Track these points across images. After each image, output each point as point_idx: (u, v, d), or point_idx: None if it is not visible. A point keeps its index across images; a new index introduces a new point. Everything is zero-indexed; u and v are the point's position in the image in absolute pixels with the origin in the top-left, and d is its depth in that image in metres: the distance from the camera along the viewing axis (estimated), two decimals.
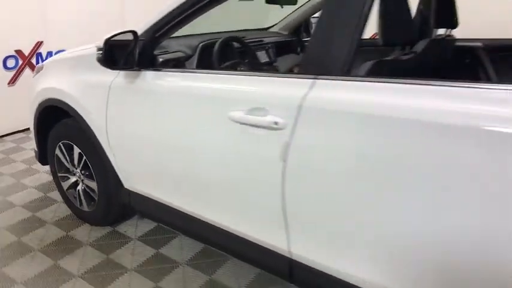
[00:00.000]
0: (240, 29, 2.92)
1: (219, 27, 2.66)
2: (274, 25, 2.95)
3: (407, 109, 1.08)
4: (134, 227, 2.39)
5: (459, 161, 1.00)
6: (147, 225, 2.40)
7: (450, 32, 2.11)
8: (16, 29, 3.78)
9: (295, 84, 1.29)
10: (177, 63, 1.93)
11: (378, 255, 1.22)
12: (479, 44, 2.23)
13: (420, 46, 1.83)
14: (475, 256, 1.01)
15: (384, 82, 1.18)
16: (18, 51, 3.89)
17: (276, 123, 1.29)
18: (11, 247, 2.20)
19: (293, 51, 2.79)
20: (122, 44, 1.67)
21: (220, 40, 2.07)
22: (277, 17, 3.01)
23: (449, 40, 2.12)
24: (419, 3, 2.10)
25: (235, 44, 2.23)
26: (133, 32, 1.68)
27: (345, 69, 1.22)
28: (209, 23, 2.56)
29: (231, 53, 2.15)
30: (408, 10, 1.45)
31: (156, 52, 1.88)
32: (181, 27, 1.72)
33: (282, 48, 2.68)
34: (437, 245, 1.07)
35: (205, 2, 1.56)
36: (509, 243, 0.96)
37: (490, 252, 0.99)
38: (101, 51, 1.60)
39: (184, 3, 1.59)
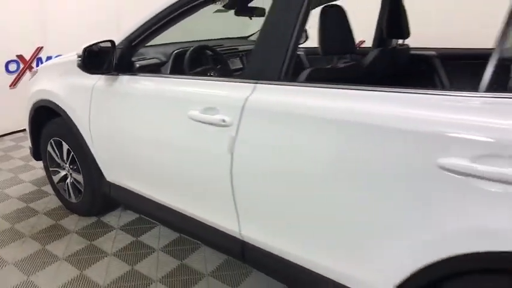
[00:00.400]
0: (223, 37, 3.15)
1: (206, 36, 2.89)
2: (254, 34, 3.18)
3: (331, 110, 1.29)
4: (117, 218, 2.61)
5: (375, 154, 1.19)
6: (129, 217, 2.62)
7: (403, 42, 2.31)
8: (18, 35, 4.05)
9: (240, 88, 1.51)
10: (153, 69, 2.16)
11: (312, 235, 1.42)
12: (433, 52, 2.43)
13: (371, 55, 2.04)
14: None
15: (314, 87, 1.39)
16: (20, 56, 4.16)
17: (224, 120, 1.50)
18: (4, 233, 2.43)
19: None
20: (101, 52, 1.90)
21: (191, 49, 2.29)
22: (259, 26, 3.23)
23: (403, 49, 2.33)
24: (378, 17, 2.32)
25: (208, 52, 2.45)
26: (111, 41, 1.91)
27: (281, 76, 1.43)
28: (198, 32, 2.80)
29: (205, 60, 2.38)
30: (347, 24, 1.66)
31: (134, 58, 2.12)
32: (154, 37, 1.95)
33: None
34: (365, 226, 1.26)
35: (173, 15, 1.79)
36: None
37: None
38: (80, 58, 1.83)
39: (154, 17, 1.82)
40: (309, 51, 3.02)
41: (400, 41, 2.37)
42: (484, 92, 1.06)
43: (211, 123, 1.55)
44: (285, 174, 1.41)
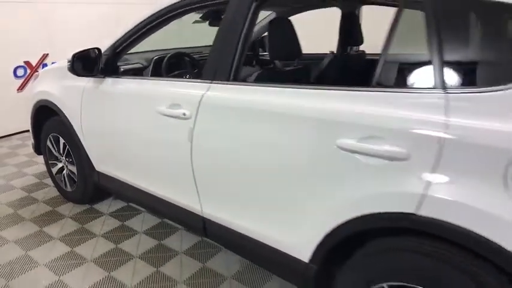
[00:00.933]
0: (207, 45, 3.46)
1: (190, 44, 3.21)
2: None
3: (266, 104, 1.58)
4: (108, 206, 2.92)
5: (297, 139, 1.47)
6: (119, 205, 2.93)
7: (358, 48, 2.60)
8: (25, 43, 4.43)
9: (198, 87, 1.81)
10: (136, 72, 2.47)
11: (256, 208, 1.70)
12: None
13: (326, 60, 2.33)
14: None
15: (256, 86, 1.69)
16: (27, 62, 4.54)
17: (184, 114, 1.80)
18: (8, 217, 2.76)
19: (248, 64, 3.30)
20: (90, 57, 2.22)
21: (169, 55, 2.61)
22: None
23: (358, 55, 2.61)
24: (339, 27, 2.60)
25: (186, 58, 2.76)
26: (98, 49, 2.23)
27: (231, 76, 1.73)
28: (184, 40, 3.12)
29: (184, 65, 2.69)
30: (293, 33, 1.95)
31: (120, 63, 2.44)
32: (135, 45, 2.27)
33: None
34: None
35: (149, 26, 2.11)
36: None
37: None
38: (69, 63, 2.16)
39: (134, 28, 2.14)
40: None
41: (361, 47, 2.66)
42: (371, 87, 1.35)
43: (174, 117, 1.85)
44: (233, 158, 1.70)
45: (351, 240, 1.43)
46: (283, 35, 1.92)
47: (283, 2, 2.32)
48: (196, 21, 2.75)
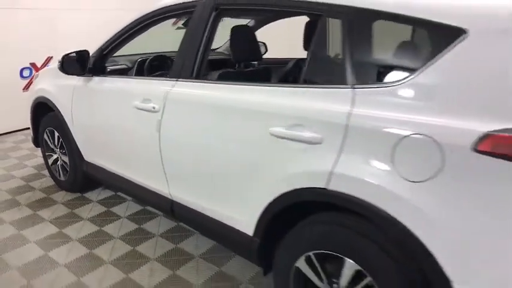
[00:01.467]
0: None
1: (174, 48, 3.47)
2: (220, 47, 3.75)
3: (217, 98, 1.84)
4: (97, 194, 3.20)
5: (240, 127, 1.72)
6: (107, 194, 3.21)
7: None
8: (31, 45, 4.77)
9: (166, 84, 2.07)
10: (122, 72, 2.75)
11: (212, 190, 1.95)
12: None
13: (290, 63, 2.58)
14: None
15: (213, 83, 1.95)
16: (33, 64, 4.88)
17: (154, 108, 2.07)
18: (6, 202, 3.05)
19: (231, 67, 3.56)
20: (79, 58, 2.51)
21: (150, 57, 2.89)
22: (224, 41, 3.80)
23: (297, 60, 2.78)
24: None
25: (168, 61, 3.04)
26: (86, 51, 2.52)
27: (194, 75, 1.99)
28: (171, 44, 3.37)
29: (165, 66, 2.96)
30: (253, 39, 2.20)
31: (108, 64, 2.72)
32: (119, 48, 2.55)
33: (218, 64, 3.45)
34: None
35: (130, 32, 2.39)
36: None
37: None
38: (59, 63, 2.45)
39: (117, 33, 2.43)
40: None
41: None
42: (298, 84, 1.60)
43: (146, 110, 2.12)
44: (191, 145, 1.96)
45: (288, 218, 1.67)
46: (245, 40, 2.18)
47: (239, 13, 2.56)
48: (179, 28, 3.02)
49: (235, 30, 2.15)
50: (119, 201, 3.09)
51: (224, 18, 2.12)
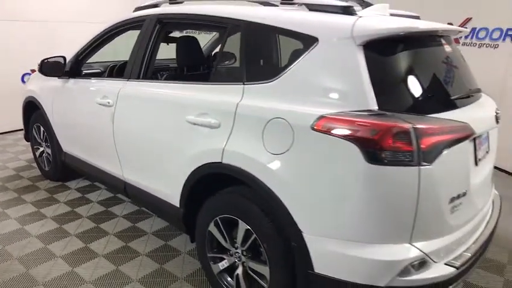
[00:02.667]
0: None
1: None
2: None
3: (156, 93, 2.25)
4: (76, 183, 3.63)
5: (169, 115, 2.13)
6: (85, 183, 3.63)
7: None
8: (32, 53, 5.26)
9: (119, 83, 2.50)
10: (95, 76, 3.20)
11: (153, 170, 2.34)
12: None
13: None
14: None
15: (155, 82, 2.38)
16: (33, 70, 5.38)
17: (109, 102, 2.49)
18: None
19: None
20: (56, 63, 2.96)
21: (120, 63, 3.33)
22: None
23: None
24: None
25: None
26: (63, 57, 2.98)
27: (141, 76, 2.41)
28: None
29: None
30: (197, 47, 2.62)
31: (84, 68, 3.17)
32: (92, 55, 3.00)
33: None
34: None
35: (99, 41, 2.84)
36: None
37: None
38: (38, 66, 2.91)
39: (88, 42, 2.88)
40: None
41: None
42: (207, 82, 2.00)
43: (103, 105, 2.54)
44: (134, 132, 2.38)
45: (206, 191, 2.06)
46: (189, 48, 2.61)
47: (176, 26, 2.92)
48: None
49: (179, 40, 2.58)
50: (94, 189, 3.51)
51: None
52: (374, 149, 1.41)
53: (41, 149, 3.66)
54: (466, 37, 4.64)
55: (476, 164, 1.77)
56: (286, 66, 1.71)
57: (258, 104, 1.74)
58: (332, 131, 1.49)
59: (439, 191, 1.49)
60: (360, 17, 1.62)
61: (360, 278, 1.51)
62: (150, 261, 2.45)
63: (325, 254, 1.57)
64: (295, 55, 1.70)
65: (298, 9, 1.84)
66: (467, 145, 1.63)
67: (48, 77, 3.10)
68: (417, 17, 2.23)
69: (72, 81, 3.02)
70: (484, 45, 4.43)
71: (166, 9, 2.41)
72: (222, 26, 2.05)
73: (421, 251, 1.50)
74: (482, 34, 4.44)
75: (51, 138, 3.39)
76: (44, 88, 3.31)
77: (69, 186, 3.57)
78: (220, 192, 1.98)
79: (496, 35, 4.31)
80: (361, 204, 1.46)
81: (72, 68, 3.02)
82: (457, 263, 1.58)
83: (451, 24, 4.78)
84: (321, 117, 1.52)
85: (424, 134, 1.42)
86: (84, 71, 3.17)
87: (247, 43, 1.88)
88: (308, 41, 1.65)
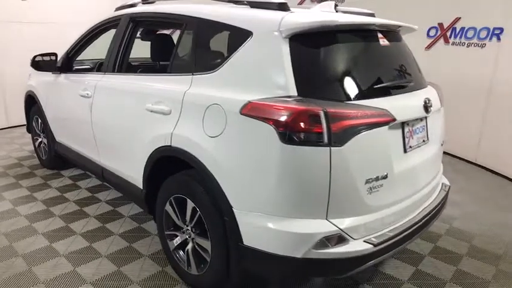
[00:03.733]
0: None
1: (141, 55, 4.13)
2: None
3: (125, 84, 2.46)
4: (70, 171, 3.90)
5: (132, 104, 2.33)
6: (78, 171, 3.89)
7: None
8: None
9: (98, 77, 2.73)
10: (85, 71, 3.45)
11: (124, 156, 2.55)
12: None
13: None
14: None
15: (124, 74, 2.59)
16: None
17: (87, 94, 2.72)
18: None
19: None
20: (48, 59, 3.23)
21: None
22: None
23: None
24: None
25: None
26: (55, 53, 3.24)
27: (116, 70, 2.63)
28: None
29: None
30: (170, 43, 2.81)
31: (76, 64, 3.43)
32: (80, 52, 3.25)
33: None
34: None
35: (85, 39, 3.09)
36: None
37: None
38: (31, 61, 3.18)
39: (76, 41, 3.13)
40: None
41: None
42: (164, 73, 2.20)
43: (84, 96, 2.78)
44: (107, 120, 2.60)
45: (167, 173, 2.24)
46: (163, 44, 2.81)
47: (147, 24, 3.02)
48: (137, 37, 3.70)
49: (154, 37, 2.78)
50: (85, 177, 3.76)
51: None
52: (287, 130, 1.56)
53: (39, 139, 3.95)
54: (455, 37, 4.67)
55: (405, 151, 1.88)
56: (226, 58, 1.87)
57: (201, 92, 1.92)
58: (255, 115, 1.64)
59: (352, 171, 1.61)
60: (291, 12, 1.77)
61: (280, 249, 1.66)
62: (122, 240, 2.66)
63: (251, 227, 1.72)
64: (234, 47, 1.86)
65: (243, 6, 2.01)
66: (388, 131, 1.74)
67: (44, 73, 3.38)
68: (371, 14, 2.35)
69: (63, 76, 3.28)
70: (472, 45, 4.45)
71: (139, 8, 2.63)
72: (180, 22, 2.24)
73: (336, 226, 1.63)
74: (470, 34, 4.47)
75: (46, 129, 3.67)
76: (40, 83, 3.60)
77: (63, 174, 3.84)
78: (176, 174, 2.16)
79: (483, 34, 4.32)
80: (278, 181, 1.61)
81: (63, 64, 3.28)
82: (376, 241, 1.70)
83: (441, 24, 4.84)
84: (248, 102, 1.68)
85: (335, 117, 1.56)
86: (75, 67, 3.42)
87: (196, 37, 2.06)
88: (244, 35, 1.82)
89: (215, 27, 2.02)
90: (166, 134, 2.03)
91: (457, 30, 4.62)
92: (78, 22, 6.10)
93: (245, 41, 1.81)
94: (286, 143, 1.56)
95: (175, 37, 2.54)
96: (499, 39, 4.15)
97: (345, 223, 1.65)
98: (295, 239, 1.63)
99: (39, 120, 3.81)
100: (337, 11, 2.43)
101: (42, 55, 3.23)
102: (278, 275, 1.98)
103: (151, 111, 2.15)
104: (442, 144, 2.33)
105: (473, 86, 4.46)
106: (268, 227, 1.66)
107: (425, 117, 2.06)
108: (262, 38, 1.75)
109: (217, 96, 1.81)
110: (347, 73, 1.77)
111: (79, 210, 3.08)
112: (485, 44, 4.31)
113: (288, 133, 1.55)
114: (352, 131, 1.59)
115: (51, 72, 3.34)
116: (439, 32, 4.85)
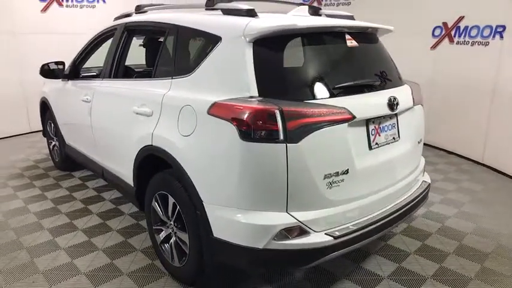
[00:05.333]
0: None
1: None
2: None
3: (120, 88, 2.64)
4: (81, 173, 4.14)
5: (123, 106, 2.50)
6: (89, 172, 4.13)
7: None
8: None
9: (97, 82, 2.93)
10: (90, 78, 3.69)
11: (118, 156, 2.73)
12: None
13: None
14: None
15: (118, 80, 2.77)
16: None
17: (87, 99, 2.93)
18: (14, 175, 4.12)
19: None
20: (56, 67, 3.48)
21: None
22: None
23: None
24: None
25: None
26: (62, 62, 3.49)
27: (112, 75, 2.82)
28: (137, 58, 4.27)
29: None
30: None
31: (83, 71, 3.67)
32: (86, 60, 3.48)
33: None
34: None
35: (89, 48, 3.31)
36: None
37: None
38: (40, 69, 3.44)
39: (80, 50, 3.36)
40: None
41: None
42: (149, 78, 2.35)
43: (85, 101, 2.99)
44: (103, 122, 2.79)
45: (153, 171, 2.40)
46: (155, 49, 2.97)
47: (139, 33, 3.13)
48: (140, 45, 3.91)
49: (147, 44, 2.96)
50: (94, 178, 3.99)
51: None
52: (246, 128, 1.66)
53: (53, 143, 4.23)
54: (459, 36, 4.62)
55: (370, 147, 1.95)
56: (200, 62, 2.01)
57: (177, 95, 2.06)
58: (219, 115, 1.76)
59: (309, 167, 1.70)
60: (257, 18, 1.89)
61: (244, 240, 1.76)
62: (119, 236, 2.84)
63: (220, 220, 1.84)
64: (206, 52, 2.00)
65: (217, 13, 2.14)
66: (349, 128, 1.81)
67: (55, 80, 3.63)
68: (351, 17, 2.43)
69: (70, 82, 3.51)
70: (476, 43, 4.39)
71: (132, 18, 2.82)
72: (164, 30, 2.40)
73: (295, 218, 1.72)
74: (474, 32, 4.41)
75: (57, 132, 3.93)
76: (52, 89, 3.86)
77: (74, 175, 4.09)
78: (159, 172, 2.30)
79: (486, 32, 4.26)
80: (240, 176, 1.72)
81: (70, 71, 3.52)
82: (337, 234, 1.78)
83: (445, 23, 4.79)
84: (214, 103, 1.80)
85: (290, 116, 1.66)
86: (82, 74, 3.66)
87: (176, 43, 2.21)
88: (215, 40, 1.95)
89: (191, 33, 2.16)
90: (149, 134, 2.18)
91: (461, 29, 4.57)
92: (92, 32, 6.47)
93: (215, 45, 1.93)
94: (245, 140, 1.67)
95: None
96: (501, 37, 4.08)
97: (304, 216, 1.74)
98: (257, 230, 1.73)
99: (52, 125, 4.08)
100: (320, 15, 2.53)
101: (50, 64, 3.48)
102: (245, 266, 2.08)
103: (137, 113, 2.32)
104: (419, 142, 2.35)
105: (479, 85, 4.40)
106: (234, 220, 1.77)
107: (396, 115, 2.11)
108: (230, 43, 1.88)
109: (190, 98, 1.95)
110: (308, 74, 1.86)
111: (84, 208, 3.29)
112: (488, 43, 4.25)
113: (247, 131, 1.66)
114: (308, 129, 1.68)
115: (61, 80, 3.60)
116: (443, 32, 4.81)
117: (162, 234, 2.34)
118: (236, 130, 1.68)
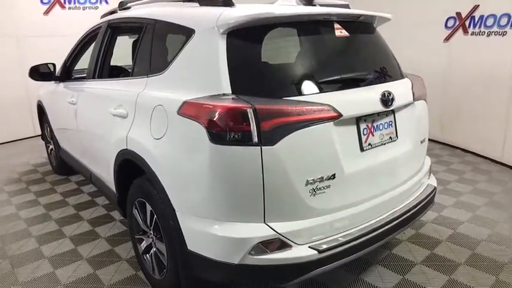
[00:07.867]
0: None
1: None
2: None
3: (102, 88, 2.51)
4: (77, 177, 4.05)
5: (102, 107, 2.37)
6: (82, 177, 4.04)
7: None
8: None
9: (81, 83, 2.81)
10: (81, 79, 3.59)
11: (97, 159, 2.60)
12: None
13: None
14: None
15: (99, 80, 2.64)
16: None
17: (73, 101, 2.81)
18: (12, 179, 4.07)
19: None
20: (47, 69, 3.38)
21: None
22: None
23: None
24: None
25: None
26: (53, 64, 3.39)
27: (96, 76, 2.69)
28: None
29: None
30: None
31: (76, 73, 3.57)
32: (76, 61, 3.37)
33: None
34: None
35: (77, 49, 3.21)
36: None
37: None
38: (29, 72, 3.35)
39: (70, 52, 3.25)
40: None
41: None
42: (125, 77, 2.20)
43: (71, 103, 2.88)
44: (86, 124, 2.67)
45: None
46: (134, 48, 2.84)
47: (122, 30, 2.96)
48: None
49: (134, 43, 2.82)
50: (89, 184, 3.89)
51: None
52: (215, 129, 1.49)
53: (50, 146, 4.16)
54: (474, 26, 4.30)
55: (362, 149, 1.73)
56: (173, 58, 1.84)
57: (150, 94, 1.90)
58: (188, 115, 1.59)
59: (288, 172, 1.51)
60: (233, 8, 1.71)
61: (217, 254, 1.58)
62: (106, 244, 2.71)
63: (193, 231, 1.67)
64: (179, 47, 1.83)
65: (194, 5, 1.97)
66: (335, 128, 1.61)
67: (50, 82, 3.55)
68: (346, 6, 2.22)
69: (61, 84, 3.42)
70: (493, 34, 4.07)
71: (116, 15, 2.68)
72: (142, 26, 2.24)
73: (274, 230, 1.53)
74: (490, 22, 4.10)
75: (52, 136, 3.85)
76: (46, 92, 3.79)
77: (71, 179, 4.01)
78: (138, 177, 2.15)
79: (503, 21, 3.94)
80: (210, 182, 1.54)
81: (61, 73, 3.42)
82: (323, 247, 1.58)
83: (459, 14, 4.48)
84: (184, 102, 1.63)
85: (265, 115, 1.47)
86: (74, 75, 3.56)
87: (152, 39, 2.05)
88: (189, 33, 1.78)
89: (167, 27, 2.00)
90: (123, 137, 2.04)
91: (476, 19, 4.26)
92: None
93: (189, 39, 1.77)
94: (215, 142, 1.49)
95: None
96: None
97: (285, 227, 1.55)
98: (231, 244, 1.55)
99: (48, 128, 4.01)
100: (314, 4, 2.33)
101: (41, 65, 3.38)
102: (223, 282, 1.89)
103: (114, 115, 2.17)
104: (422, 142, 2.12)
105: (496, 79, 4.08)
106: (206, 231, 1.60)
107: (393, 112, 1.89)
108: (203, 35, 1.70)
109: (162, 97, 1.79)
110: (289, 68, 1.67)
111: (75, 214, 3.18)
112: (506, 32, 3.93)
113: (217, 132, 1.49)
114: (285, 129, 1.49)
115: (53, 82, 3.51)
116: (457, 23, 4.51)
117: (143, 244, 2.19)
118: (206, 132, 1.51)
